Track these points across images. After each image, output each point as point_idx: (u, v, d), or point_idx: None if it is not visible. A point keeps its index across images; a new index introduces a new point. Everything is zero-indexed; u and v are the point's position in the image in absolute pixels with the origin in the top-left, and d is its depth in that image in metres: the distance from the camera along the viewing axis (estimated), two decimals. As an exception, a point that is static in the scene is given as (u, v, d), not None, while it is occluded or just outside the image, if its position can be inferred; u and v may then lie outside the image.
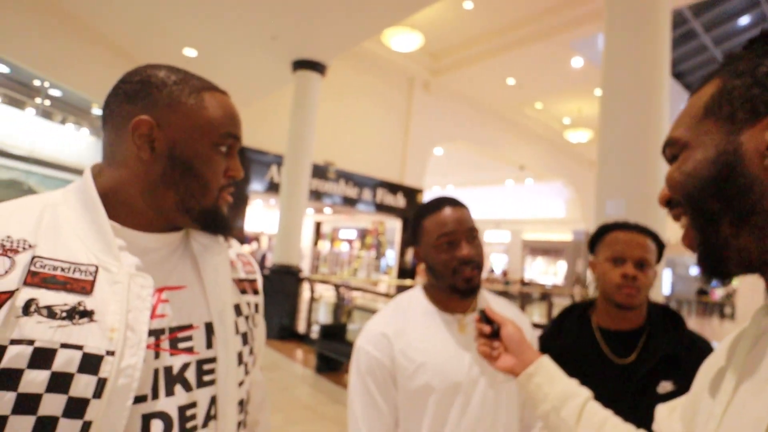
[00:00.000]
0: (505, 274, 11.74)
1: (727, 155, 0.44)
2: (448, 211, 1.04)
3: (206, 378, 0.65)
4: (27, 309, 0.51)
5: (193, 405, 0.63)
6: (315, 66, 6.28)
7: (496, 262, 20.51)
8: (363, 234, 12.82)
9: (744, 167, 0.43)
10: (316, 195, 8.83)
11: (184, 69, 0.70)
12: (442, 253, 1.02)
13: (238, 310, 0.73)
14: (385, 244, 11.94)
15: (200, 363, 0.65)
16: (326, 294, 6.79)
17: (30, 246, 0.55)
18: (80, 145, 7.48)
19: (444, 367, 1.00)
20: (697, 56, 11.91)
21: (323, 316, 6.54)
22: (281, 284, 6.25)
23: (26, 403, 0.49)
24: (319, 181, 8.81)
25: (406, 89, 10.21)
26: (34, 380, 0.49)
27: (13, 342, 0.49)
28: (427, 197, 11.28)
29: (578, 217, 16.36)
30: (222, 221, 0.70)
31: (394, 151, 10.13)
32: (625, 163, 2.85)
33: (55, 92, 6.65)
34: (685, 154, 0.48)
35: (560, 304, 13.06)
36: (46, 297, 0.53)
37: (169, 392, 0.61)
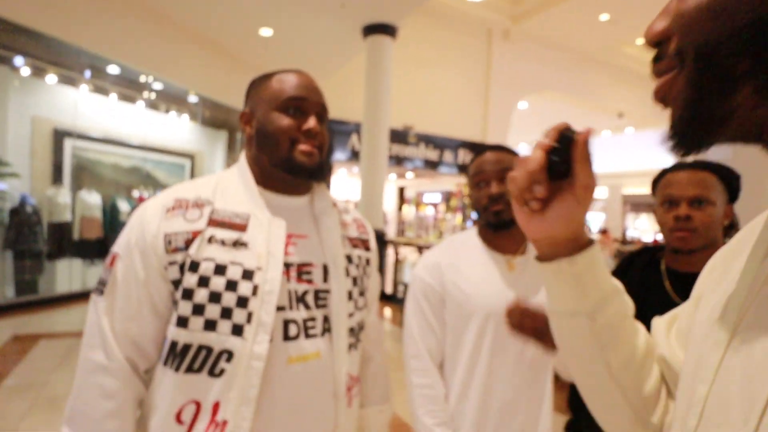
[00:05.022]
0: (604, 232, 10.72)
1: None
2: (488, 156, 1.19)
3: (320, 302, 0.89)
4: (210, 240, 0.81)
5: (312, 319, 0.87)
6: (386, 29, 6.16)
7: (592, 220, 19.15)
8: (447, 197, 12.67)
9: None
10: (397, 160, 8.85)
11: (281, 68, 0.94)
12: (479, 191, 1.17)
13: (349, 259, 0.96)
14: (470, 207, 11.69)
15: (317, 292, 0.89)
16: (411, 256, 6.89)
17: (210, 202, 0.85)
18: (182, 130, 8.22)
19: (490, 297, 1.11)
20: None
21: (409, 277, 6.68)
22: (367, 249, 6.45)
23: (214, 297, 0.78)
24: (399, 146, 8.80)
25: (485, 41, 9.65)
26: (217, 283, 0.79)
27: (204, 259, 0.79)
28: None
29: (690, 165, 14.56)
30: (300, 167, 0.87)
31: (474, 109, 9.74)
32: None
33: (158, 85, 7.35)
34: None
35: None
36: (220, 233, 0.82)
37: (296, 308, 0.85)
